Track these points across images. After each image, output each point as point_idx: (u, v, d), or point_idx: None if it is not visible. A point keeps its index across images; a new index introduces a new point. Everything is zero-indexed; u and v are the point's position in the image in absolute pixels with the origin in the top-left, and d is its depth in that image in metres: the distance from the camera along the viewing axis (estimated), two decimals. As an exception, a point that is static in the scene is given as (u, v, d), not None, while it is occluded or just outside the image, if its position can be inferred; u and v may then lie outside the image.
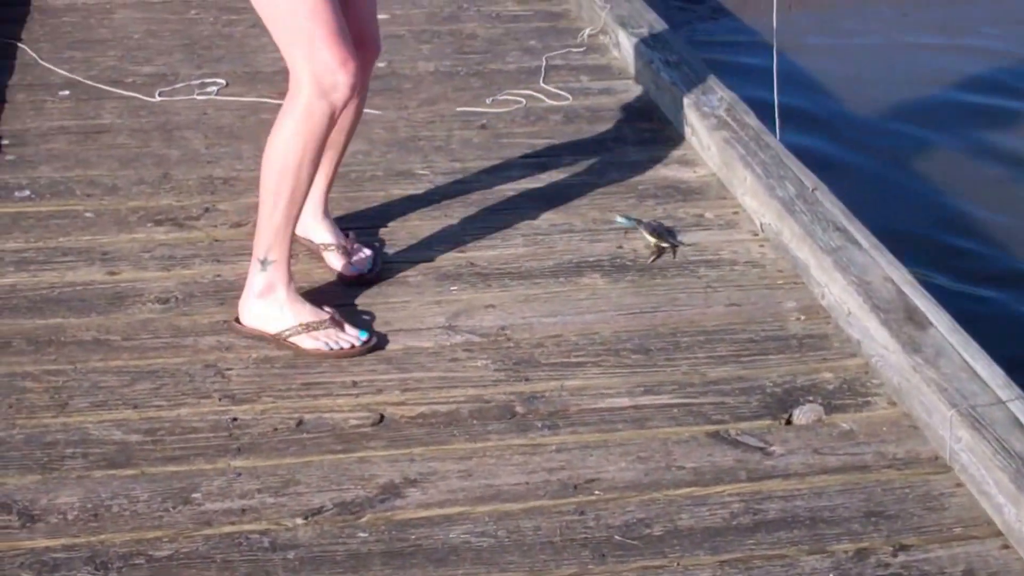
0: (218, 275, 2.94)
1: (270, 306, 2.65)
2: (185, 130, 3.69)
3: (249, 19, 4.57)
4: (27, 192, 3.26)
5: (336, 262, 2.95)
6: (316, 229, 2.96)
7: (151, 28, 4.46)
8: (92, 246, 3.03)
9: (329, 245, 2.96)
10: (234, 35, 4.45)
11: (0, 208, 3.19)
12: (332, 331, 2.65)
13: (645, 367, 2.68)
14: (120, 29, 4.44)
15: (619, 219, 3.25)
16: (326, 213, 2.99)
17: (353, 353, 2.64)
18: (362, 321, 2.75)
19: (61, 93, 3.88)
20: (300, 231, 2.85)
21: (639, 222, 3.21)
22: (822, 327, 2.85)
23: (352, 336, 2.66)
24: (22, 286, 2.85)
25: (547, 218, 3.27)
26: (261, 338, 2.66)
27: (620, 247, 3.16)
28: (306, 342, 2.63)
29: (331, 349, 2.63)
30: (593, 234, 3.21)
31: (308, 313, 2.66)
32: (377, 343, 2.68)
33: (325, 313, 2.67)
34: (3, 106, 3.76)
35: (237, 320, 2.70)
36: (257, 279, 2.66)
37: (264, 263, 2.64)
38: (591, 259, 3.09)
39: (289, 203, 2.60)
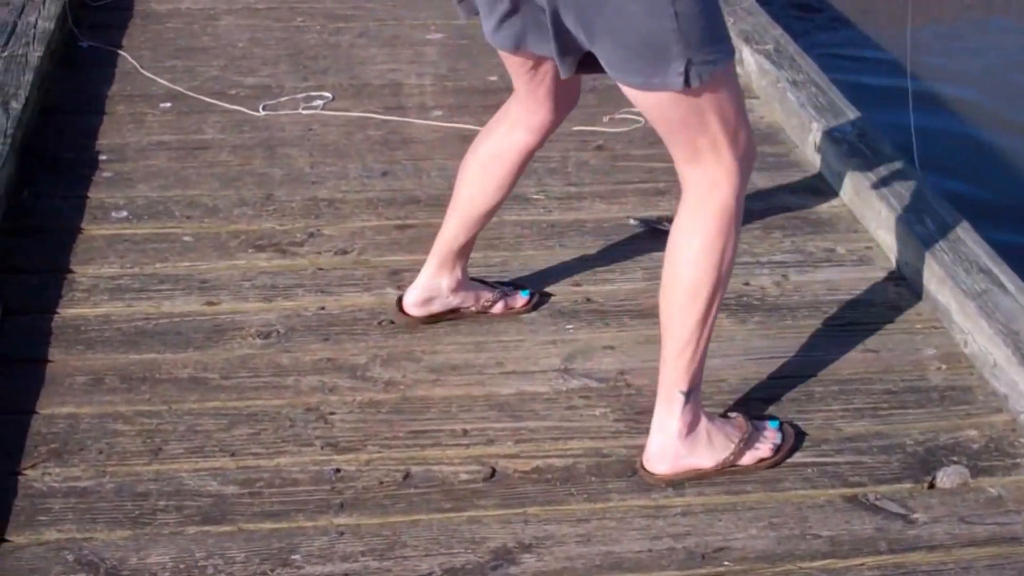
0: (322, 307, 2.80)
1: (697, 440, 2.30)
2: (289, 147, 3.57)
3: (356, 28, 4.46)
4: (124, 213, 3.16)
5: (503, 309, 2.79)
6: (471, 292, 2.77)
7: (256, 36, 4.35)
8: (190, 273, 2.92)
9: (489, 300, 2.78)
10: (341, 45, 4.32)
11: (96, 229, 3.09)
12: (755, 432, 2.37)
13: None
14: (224, 37, 4.34)
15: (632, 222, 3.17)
16: (465, 270, 2.76)
17: (788, 449, 2.40)
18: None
19: (162, 105, 3.79)
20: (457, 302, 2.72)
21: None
22: (965, 378, 2.63)
23: (770, 431, 2.41)
24: (116, 316, 2.74)
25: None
26: (696, 478, 2.32)
27: (747, 284, 2.96)
28: (747, 458, 2.35)
29: (773, 453, 2.37)
30: (719, 268, 3.01)
31: (729, 426, 2.36)
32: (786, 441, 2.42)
33: (734, 416, 2.42)
34: (102, 118, 3.68)
35: (647, 471, 2.32)
36: (680, 418, 2.28)
37: (689, 395, 2.27)
38: (717, 297, 2.89)
39: (715, 319, 2.27)
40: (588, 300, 2.86)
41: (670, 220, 2.97)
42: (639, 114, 3.76)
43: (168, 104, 3.80)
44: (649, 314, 2.80)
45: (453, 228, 2.65)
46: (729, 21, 4.23)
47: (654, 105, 2.09)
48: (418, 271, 2.93)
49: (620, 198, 3.32)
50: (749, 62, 4.03)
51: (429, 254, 2.71)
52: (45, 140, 3.50)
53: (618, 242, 3.11)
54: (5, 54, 3.70)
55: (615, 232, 3.15)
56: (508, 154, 2.55)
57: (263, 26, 4.45)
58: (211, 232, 3.10)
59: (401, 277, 2.93)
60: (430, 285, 2.71)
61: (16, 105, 3.38)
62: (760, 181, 3.43)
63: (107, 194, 3.25)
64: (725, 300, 2.84)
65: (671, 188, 3.36)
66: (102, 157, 3.44)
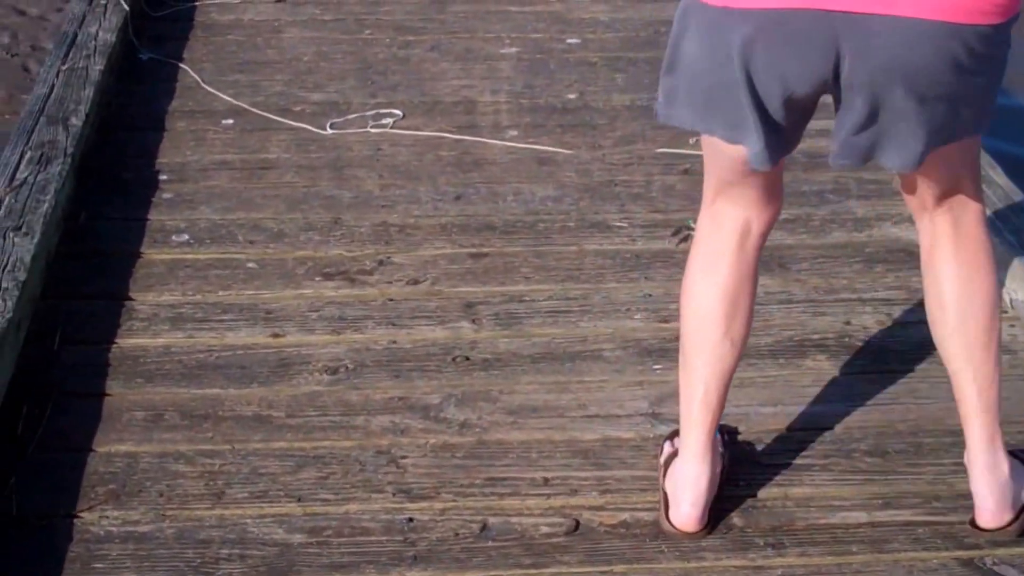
0: (393, 341, 2.75)
1: (1019, 477, 2.26)
2: (357, 168, 3.53)
3: (427, 41, 4.43)
4: (185, 236, 3.14)
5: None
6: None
7: (322, 50, 4.33)
8: (255, 302, 2.88)
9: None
10: (411, 59, 4.29)
11: (157, 254, 3.07)
12: None
13: (883, 474, 2.41)
14: (289, 50, 4.33)
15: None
16: None
17: None
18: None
19: (224, 122, 3.78)
20: None
21: None
22: (1092, 433, 2.52)
23: None
24: (177, 348, 2.71)
25: (761, 284, 2.93)
26: None
27: (848, 323, 2.86)
28: None
29: None
30: (816, 305, 2.92)
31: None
32: None
33: None
34: (163, 135, 3.68)
35: (990, 528, 2.24)
36: (1006, 459, 2.23)
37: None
38: (815, 336, 2.81)
39: None
40: (677, 339, 2.77)
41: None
42: (728, 136, 3.69)
43: (230, 121, 3.79)
44: (744, 353, 2.71)
45: (715, 390, 2.22)
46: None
47: (955, 150, 2.04)
48: (494, 303, 2.89)
49: (709, 227, 3.24)
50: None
51: (686, 446, 2.23)
52: (104, 159, 3.49)
53: (708, 275, 3.03)
54: (65, 67, 3.71)
55: (705, 264, 3.07)
56: (750, 268, 2.22)
57: (329, 39, 4.43)
58: (276, 258, 3.06)
59: (476, 310, 2.88)
60: (710, 484, 2.24)
61: (76, 122, 3.38)
62: (860, 210, 3.34)
63: (168, 216, 3.23)
64: (825, 342, 2.79)
65: (764, 216, 3.27)
66: (162, 177, 3.43)
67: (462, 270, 3.05)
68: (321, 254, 3.09)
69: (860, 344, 2.79)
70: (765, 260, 3.05)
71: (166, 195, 3.34)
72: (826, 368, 2.70)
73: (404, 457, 2.40)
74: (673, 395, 2.58)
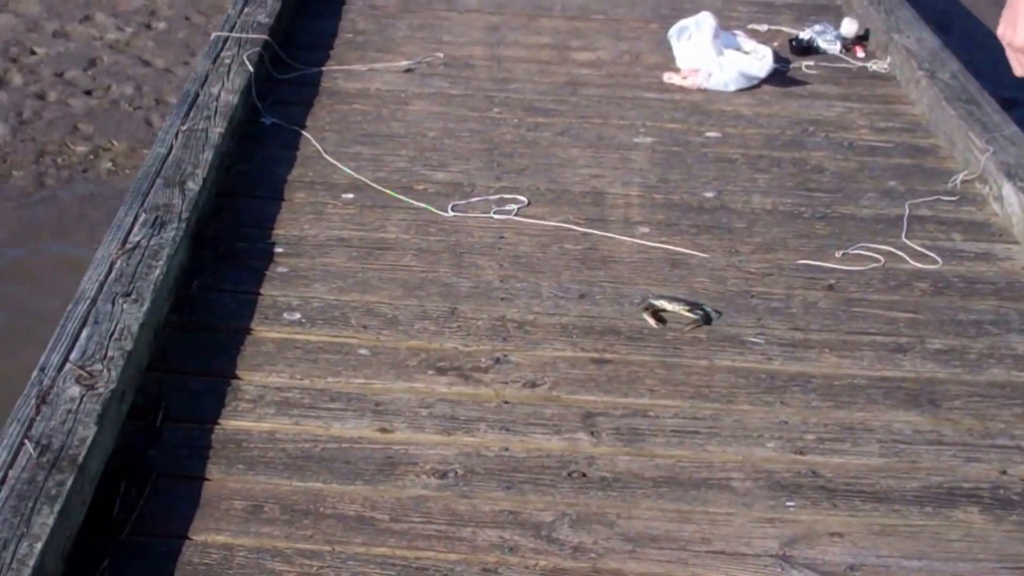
0: (505, 448, 2.77)
1: None
2: (478, 255, 3.59)
3: (557, 125, 4.50)
4: (297, 315, 3.21)
5: None
6: None
7: (448, 126, 4.43)
8: (364, 392, 2.93)
9: None
10: (539, 143, 4.36)
11: (267, 332, 3.14)
12: None
13: (1035, 646, 2.34)
14: (414, 124, 4.43)
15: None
16: None
17: None
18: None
19: (344, 196, 3.87)
20: None
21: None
22: None
23: None
24: (281, 435, 2.76)
25: (910, 421, 2.95)
26: None
27: (1004, 472, 2.81)
28: None
29: None
30: (970, 450, 2.87)
31: None
32: None
33: None
34: (280, 205, 3.78)
35: None
36: None
37: None
38: (966, 485, 2.76)
39: None
40: (814, 473, 2.75)
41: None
42: (879, 251, 3.67)
43: (350, 195, 3.88)
44: (886, 498, 2.69)
45: None
46: (988, 150, 4.11)
47: None
48: (615, 416, 2.90)
49: (854, 351, 3.21)
50: (1010, 199, 3.88)
51: None
52: (220, 226, 3.60)
53: (850, 405, 2.99)
54: (185, 127, 3.84)
55: (848, 392, 3.04)
56: None
57: (456, 115, 4.53)
58: (389, 347, 3.12)
59: (595, 422, 2.88)
60: None
61: (193, 186, 3.50)
62: (1021, 346, 3.28)
63: (280, 292, 3.31)
64: (978, 492, 2.73)
65: (915, 345, 3.24)
66: (278, 249, 3.52)
67: (583, 376, 3.06)
68: (435, 346, 3.14)
69: (1016, 497, 2.74)
70: (914, 394, 3.04)
71: (280, 269, 3.42)
72: (978, 523, 2.65)
73: (512, 578, 2.41)
74: (806, 537, 2.56)
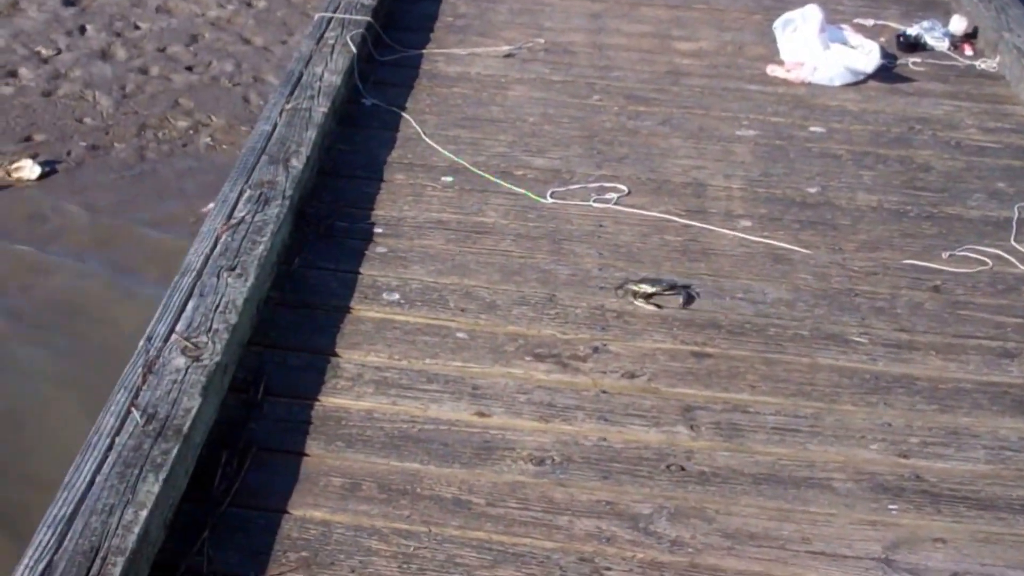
0: (603, 439, 2.76)
1: None
2: (577, 243, 3.58)
3: (659, 114, 4.47)
4: (396, 296, 3.23)
5: None
6: None
7: (548, 112, 4.42)
8: (462, 375, 2.94)
9: None
10: (640, 131, 4.33)
11: (366, 311, 3.16)
12: None
13: None
14: (514, 109, 4.43)
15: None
16: None
17: None
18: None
19: (444, 179, 3.88)
20: None
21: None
22: None
23: None
24: (380, 414, 2.78)
25: (1017, 428, 2.90)
26: None
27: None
28: None
29: None
30: (1079, 458, 2.82)
31: None
32: None
33: None
34: (380, 187, 3.79)
35: None
36: None
37: None
38: (1076, 495, 2.70)
39: None
40: (917, 477, 2.71)
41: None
42: (986, 254, 3.60)
43: (450, 178, 3.89)
44: (991, 505, 2.64)
45: None
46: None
47: None
48: (715, 411, 2.87)
49: (960, 354, 3.15)
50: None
51: None
52: (321, 204, 3.63)
53: (956, 410, 2.94)
54: (289, 106, 3.88)
55: (953, 396, 2.99)
56: None
57: (557, 101, 4.52)
58: (487, 331, 3.12)
59: (694, 416, 2.86)
60: None
61: (296, 164, 3.53)
62: None
63: (380, 272, 3.33)
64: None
65: (1023, 351, 3.18)
66: (377, 230, 3.54)
67: (683, 369, 3.04)
68: (533, 332, 3.13)
69: None
70: (1021, 401, 2.98)
71: (380, 249, 3.44)
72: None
73: (608, 569, 2.39)
74: (909, 542, 2.52)
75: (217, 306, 2.83)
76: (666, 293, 3.31)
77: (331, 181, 3.79)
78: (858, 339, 3.20)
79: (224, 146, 5.54)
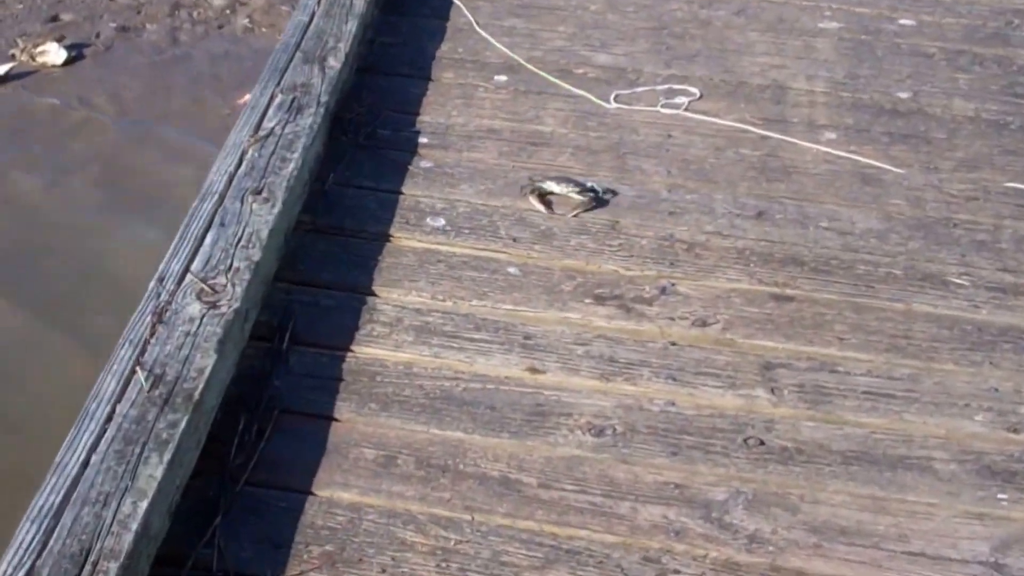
0: (671, 403, 2.39)
1: None
2: (643, 157, 3.15)
3: (735, 3, 3.98)
4: (441, 221, 2.84)
5: None
6: None
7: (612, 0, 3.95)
8: (512, 321, 2.56)
9: None
10: (713, 23, 3.86)
11: (407, 239, 2.78)
12: None
13: None
14: (575, -5, 3.97)
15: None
16: None
17: None
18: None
19: (497, 79, 3.44)
20: None
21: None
22: None
23: None
24: (420, 368, 2.41)
25: None
26: None
27: None
28: None
29: None
30: None
31: None
32: None
33: None
34: (427, 87, 3.37)
35: None
36: None
37: None
38: None
39: None
40: (1031, 460, 2.33)
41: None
42: (1104, 182, 3.15)
43: (503, 78, 3.45)
44: (1117, 497, 2.26)
45: None
46: None
47: None
48: (798, 368, 2.50)
49: (1075, 305, 2.75)
50: None
51: None
52: (360, 108, 3.21)
53: (1071, 372, 2.55)
54: (328, -7, 3.44)
55: (1068, 358, 2.59)
56: None
57: (622, -14, 4.05)
58: (541, 265, 2.73)
59: (775, 375, 2.48)
60: None
61: (334, 63, 3.10)
62: None
63: (424, 192, 2.93)
64: None
65: None
66: (422, 140, 3.13)
67: (761, 315, 2.65)
68: (593, 268, 2.74)
69: None
70: None
71: (424, 163, 3.04)
72: None
73: (676, 572, 2.04)
74: (1022, 541, 2.16)
75: (239, 239, 2.45)
76: (571, 193, 2.95)
77: (372, 79, 3.36)
78: (958, 281, 2.78)
79: (263, 28, 5.09)
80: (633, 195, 3.00)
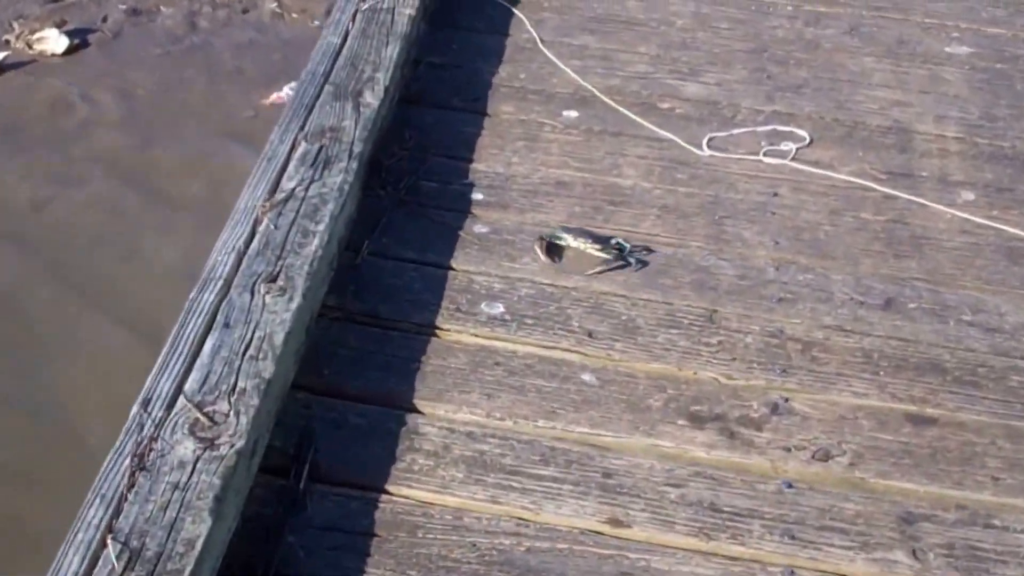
0: (790, 571, 1.95)
1: None
2: (744, 223, 2.71)
3: (844, 18, 3.54)
4: (500, 308, 2.38)
5: None
6: None
7: (702, 12, 3.48)
8: (589, 452, 2.10)
9: None
10: (820, 44, 3.39)
11: (458, 331, 2.34)
12: None
13: None
14: (658, 6, 3.49)
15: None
16: None
17: None
18: None
19: (566, 114, 2.99)
20: None
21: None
22: None
23: None
24: (472, 518, 1.97)
25: None
26: None
27: None
28: None
29: None
30: None
31: None
32: None
33: None
34: (482, 124, 2.93)
35: None
36: None
37: None
38: None
39: None
40: None
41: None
42: None
43: (574, 114, 3.00)
44: None
45: None
46: None
47: None
48: (946, 521, 2.05)
49: None
50: None
51: None
52: (402, 151, 2.77)
53: None
54: (366, 5, 2.98)
55: None
56: None
57: (712, -5, 3.58)
58: (623, 370, 2.28)
59: (917, 530, 2.04)
60: None
61: (371, 100, 2.65)
62: None
63: (478, 267, 2.49)
64: None
65: None
66: (476, 195, 2.68)
67: (896, 445, 2.20)
68: (688, 374, 2.30)
69: None
70: None
71: (478, 227, 2.60)
72: None
73: None
74: None
75: (247, 346, 2.02)
76: (589, 248, 2.53)
77: (417, 114, 2.91)
78: None
79: (293, 14, 4.65)
80: (733, 274, 2.55)
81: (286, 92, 4.19)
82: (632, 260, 2.54)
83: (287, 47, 4.48)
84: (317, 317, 2.29)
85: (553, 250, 2.54)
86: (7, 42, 4.42)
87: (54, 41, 4.42)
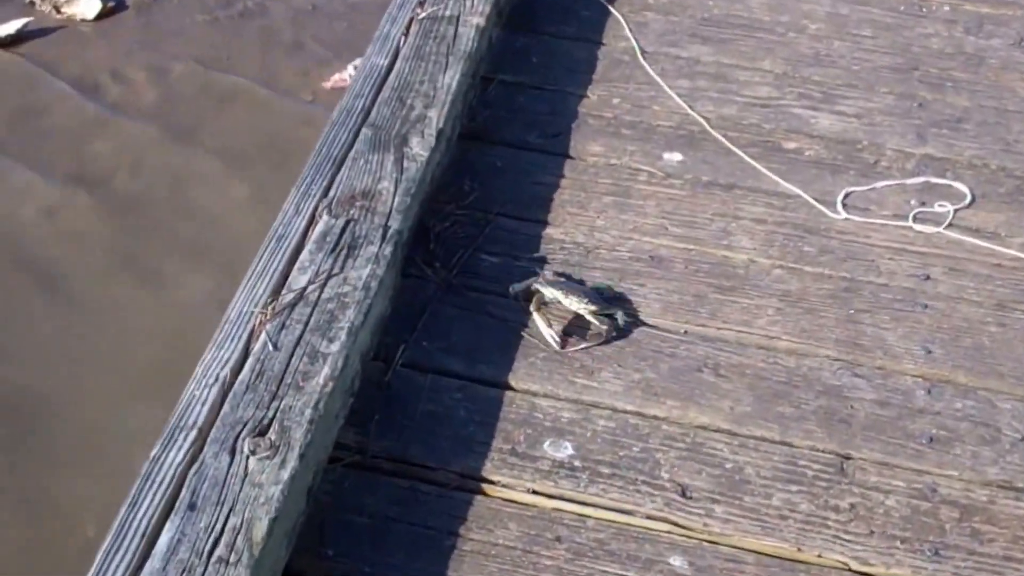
0: None
1: None
2: (887, 320, 2.10)
3: (1014, 25, 2.87)
4: (568, 449, 1.82)
5: None
6: None
7: (839, 15, 2.82)
8: None
9: None
10: (986, 61, 2.74)
11: (512, 484, 1.77)
12: None
13: None
14: (786, 7, 2.85)
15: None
16: None
17: None
18: None
19: (668, 158, 2.39)
20: None
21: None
22: None
23: None
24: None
25: None
26: None
27: None
28: None
29: None
30: None
31: None
32: None
33: None
34: (562, 168, 2.34)
35: None
36: None
37: None
38: None
39: None
40: None
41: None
42: None
43: (677, 157, 2.41)
44: None
45: None
46: None
47: None
48: None
49: None
50: None
51: None
52: (458, 212, 2.20)
53: None
54: (424, 15, 2.39)
55: None
56: None
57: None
58: (725, 552, 1.72)
59: None
60: None
61: (420, 151, 2.07)
62: None
63: (542, 385, 1.90)
64: None
65: None
66: (547, 275, 2.12)
67: None
68: (810, 557, 1.73)
69: None
70: None
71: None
72: None
73: None
74: None
75: (214, 542, 1.49)
76: (583, 309, 2.01)
77: (481, 155, 2.34)
78: None
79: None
80: (873, 398, 1.97)
81: (349, 72, 3.63)
82: (623, 323, 2.01)
83: (354, 13, 3.91)
84: (327, 463, 1.75)
85: (549, 316, 2.00)
86: (32, 4, 3.90)
87: (85, 4, 3.88)
